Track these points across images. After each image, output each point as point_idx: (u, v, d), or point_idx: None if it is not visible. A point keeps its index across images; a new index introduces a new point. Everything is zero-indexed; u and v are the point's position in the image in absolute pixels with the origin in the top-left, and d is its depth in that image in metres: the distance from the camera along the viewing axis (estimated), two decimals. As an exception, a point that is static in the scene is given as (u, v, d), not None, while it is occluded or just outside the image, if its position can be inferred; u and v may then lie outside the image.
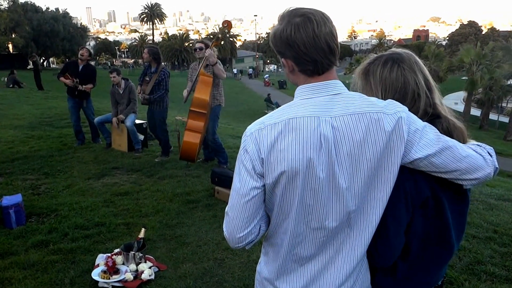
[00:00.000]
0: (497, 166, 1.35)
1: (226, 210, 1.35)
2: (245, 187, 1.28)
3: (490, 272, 3.31)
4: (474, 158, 1.30)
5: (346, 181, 1.23)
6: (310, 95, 1.28)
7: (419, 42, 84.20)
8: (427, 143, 1.25)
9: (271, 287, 1.38)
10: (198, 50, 6.06)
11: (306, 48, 1.22)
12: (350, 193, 1.24)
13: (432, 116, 1.40)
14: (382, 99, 1.39)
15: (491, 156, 1.34)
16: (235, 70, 58.69)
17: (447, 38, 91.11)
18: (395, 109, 1.25)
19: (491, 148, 1.40)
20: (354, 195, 1.24)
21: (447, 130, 1.39)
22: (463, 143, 1.39)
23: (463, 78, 31.74)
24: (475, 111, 33.54)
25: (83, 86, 7.55)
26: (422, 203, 1.33)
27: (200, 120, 5.81)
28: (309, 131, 1.21)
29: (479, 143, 1.41)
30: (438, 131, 1.30)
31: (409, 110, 1.32)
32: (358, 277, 1.34)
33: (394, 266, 1.40)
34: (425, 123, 1.29)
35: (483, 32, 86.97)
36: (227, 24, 5.78)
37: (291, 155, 1.21)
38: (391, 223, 1.31)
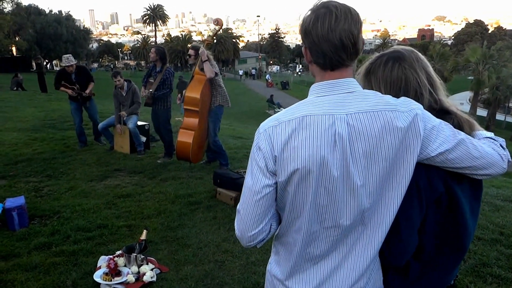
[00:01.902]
0: (510, 159, 1.36)
1: (238, 208, 1.34)
2: (258, 184, 1.27)
3: (496, 274, 3.28)
4: (489, 154, 1.31)
5: (361, 179, 1.21)
6: (324, 93, 1.27)
7: (424, 41, 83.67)
8: (444, 139, 1.25)
9: (282, 287, 1.37)
10: (188, 56, 6.14)
11: (319, 40, 1.22)
12: (365, 191, 1.22)
13: (441, 112, 1.39)
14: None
15: (504, 149, 1.36)
16: (240, 72, 58.77)
17: (453, 38, 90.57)
18: (410, 106, 1.24)
19: (503, 140, 1.41)
20: (369, 193, 1.23)
21: (458, 125, 1.37)
22: (470, 133, 1.39)
23: (469, 78, 31.52)
24: (482, 112, 33.24)
25: (86, 91, 7.63)
26: (435, 200, 1.32)
27: (193, 117, 5.81)
28: (324, 129, 1.20)
29: (490, 136, 1.42)
30: (453, 128, 1.29)
31: None
32: (371, 276, 1.32)
33: (406, 266, 1.38)
34: (440, 120, 1.28)
35: (489, 31, 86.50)
36: (218, 22, 5.78)
37: (304, 153, 1.20)
38: (404, 221, 1.30)
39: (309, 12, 1.25)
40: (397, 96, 1.36)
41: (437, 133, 1.25)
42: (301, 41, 1.32)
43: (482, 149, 1.30)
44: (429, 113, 1.27)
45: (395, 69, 1.40)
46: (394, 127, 1.20)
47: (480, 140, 1.36)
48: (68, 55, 7.79)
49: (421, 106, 1.26)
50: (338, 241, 1.28)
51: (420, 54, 1.45)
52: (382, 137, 1.20)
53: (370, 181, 1.22)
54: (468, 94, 35.48)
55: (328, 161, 1.19)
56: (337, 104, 1.23)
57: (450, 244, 1.38)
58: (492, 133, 1.44)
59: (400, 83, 1.39)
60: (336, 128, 1.19)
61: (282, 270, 1.37)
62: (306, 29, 1.24)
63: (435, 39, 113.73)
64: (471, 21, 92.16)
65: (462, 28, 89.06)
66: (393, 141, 1.20)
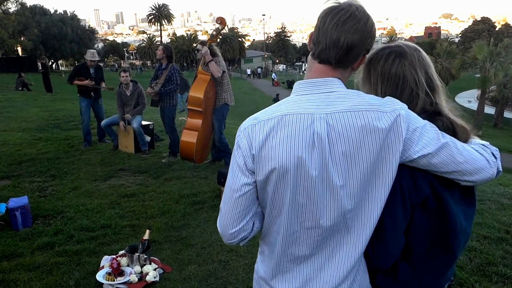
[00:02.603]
0: (501, 169, 1.31)
1: (220, 205, 1.35)
2: (237, 183, 1.28)
3: (501, 273, 3.24)
4: (476, 159, 1.26)
5: (341, 180, 1.19)
6: (305, 91, 1.26)
7: (431, 39, 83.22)
8: (427, 142, 1.21)
9: (267, 286, 1.36)
10: (196, 51, 6.11)
11: (323, 27, 1.22)
12: (345, 192, 1.20)
13: (432, 114, 1.35)
14: (380, 91, 1.37)
15: (495, 157, 1.30)
16: (248, 71, 58.99)
17: (460, 35, 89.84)
18: (393, 106, 1.20)
19: (496, 149, 1.35)
20: (350, 194, 1.20)
21: (448, 127, 1.33)
22: (465, 141, 1.34)
23: (477, 75, 31.21)
24: (489, 109, 32.93)
25: (102, 86, 7.83)
26: (422, 202, 1.28)
27: (197, 118, 5.77)
28: (302, 128, 1.19)
29: (484, 143, 1.36)
30: (438, 130, 1.25)
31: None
32: (356, 277, 1.30)
33: (395, 268, 1.35)
34: (426, 121, 1.24)
35: (497, 28, 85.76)
36: (221, 21, 5.73)
37: (281, 152, 1.20)
38: (388, 223, 1.27)
39: (336, 2, 1.24)
40: (393, 92, 1.34)
41: (420, 135, 1.20)
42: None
43: (468, 154, 1.26)
44: (414, 114, 1.23)
45: (394, 65, 1.37)
46: (375, 127, 1.17)
47: (469, 145, 1.32)
48: (93, 50, 8.06)
49: (405, 106, 1.22)
50: (320, 242, 1.27)
51: (424, 53, 1.41)
52: (363, 138, 1.17)
53: (351, 182, 1.20)
54: (475, 92, 35.17)
55: (305, 160, 1.18)
56: (318, 103, 1.21)
57: (439, 247, 1.34)
58: (487, 142, 1.38)
59: (398, 80, 1.36)
60: (315, 128, 1.18)
61: (266, 270, 1.36)
62: (321, 13, 1.24)
63: (442, 37, 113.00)
64: (478, 19, 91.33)
65: (469, 26, 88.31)
66: (374, 142, 1.17)
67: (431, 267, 1.36)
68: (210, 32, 5.83)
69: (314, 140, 1.18)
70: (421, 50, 1.41)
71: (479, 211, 4.60)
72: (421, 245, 1.33)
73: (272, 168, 1.21)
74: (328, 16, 1.21)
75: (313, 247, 1.27)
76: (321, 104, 1.21)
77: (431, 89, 1.37)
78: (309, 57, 1.31)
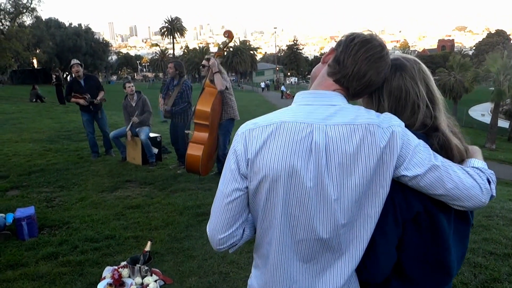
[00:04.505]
0: (494, 194, 1.28)
1: (211, 209, 1.34)
2: (228, 187, 1.28)
3: (506, 290, 3.18)
4: (468, 187, 1.23)
5: (335, 193, 1.19)
6: (306, 102, 1.28)
7: (444, 52, 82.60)
8: (418, 162, 1.20)
9: None
10: (202, 67, 6.16)
11: (353, 56, 1.25)
12: (339, 205, 1.19)
13: (431, 130, 1.34)
14: (382, 105, 1.36)
15: (490, 182, 1.27)
16: (262, 84, 59.49)
17: (474, 48, 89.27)
18: (390, 122, 1.22)
19: (492, 172, 1.31)
20: (344, 209, 1.20)
21: (443, 145, 1.32)
22: (461, 161, 1.33)
23: (491, 88, 30.88)
24: (503, 123, 32.45)
25: (97, 98, 7.75)
26: (413, 218, 1.27)
27: (203, 131, 5.78)
28: (300, 137, 1.19)
29: (479, 167, 1.31)
30: (431, 151, 1.24)
31: (407, 120, 1.29)
32: None
33: (387, 284, 1.34)
34: (420, 140, 1.24)
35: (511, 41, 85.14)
36: (228, 34, 5.76)
37: (275, 160, 1.20)
38: (380, 237, 1.26)
39: (371, 35, 1.29)
40: (395, 106, 1.34)
41: (413, 153, 1.21)
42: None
43: (459, 180, 1.22)
44: (410, 132, 1.24)
45: (396, 78, 1.36)
46: (373, 142, 1.18)
47: (464, 169, 1.28)
48: (74, 59, 8.02)
49: (402, 124, 1.23)
50: (313, 256, 1.25)
51: (423, 65, 1.41)
52: (360, 151, 1.18)
53: (345, 196, 1.19)
54: (489, 105, 34.74)
55: (299, 170, 1.18)
56: (318, 114, 1.22)
57: (433, 265, 1.32)
58: (485, 163, 1.34)
59: (400, 93, 1.35)
60: (313, 137, 1.18)
61: (260, 284, 1.34)
62: (357, 40, 1.27)
63: (455, 49, 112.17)
64: (493, 31, 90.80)
65: (484, 38, 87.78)
66: (371, 156, 1.18)
67: (423, 285, 1.34)
68: (222, 45, 5.87)
69: (311, 150, 1.18)
70: (420, 62, 1.41)
71: (486, 226, 4.53)
72: (412, 262, 1.31)
73: (264, 175, 1.21)
74: (363, 47, 1.24)
75: (305, 260, 1.26)
76: (321, 115, 1.22)
77: (431, 101, 1.36)
78: (324, 72, 1.32)
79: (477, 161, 1.33)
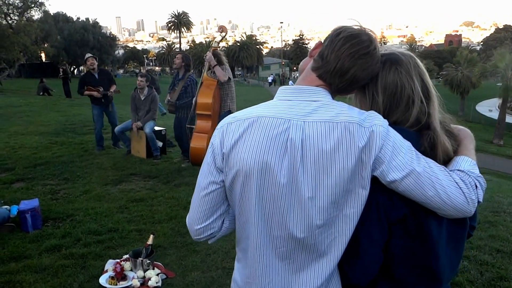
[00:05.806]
0: (481, 200, 1.19)
1: (191, 201, 1.35)
2: (205, 180, 1.27)
3: (513, 288, 3.13)
4: (451, 196, 1.15)
5: (310, 191, 1.14)
6: (287, 97, 1.24)
7: (451, 47, 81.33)
8: (397, 165, 1.13)
9: None
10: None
11: (337, 51, 1.20)
12: (314, 204, 1.15)
13: (423, 127, 1.28)
14: (377, 101, 1.30)
15: (477, 187, 1.18)
16: (269, 78, 59.31)
17: (481, 43, 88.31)
18: (373, 121, 1.15)
19: (480, 175, 1.21)
20: (320, 208, 1.15)
21: (432, 144, 1.24)
22: (447, 162, 1.25)
23: (498, 84, 30.58)
24: (511, 118, 32.23)
25: (110, 91, 7.85)
26: (400, 219, 1.21)
27: (207, 121, 5.90)
28: (276, 132, 1.16)
29: (466, 169, 1.20)
30: (414, 155, 1.16)
31: (401, 116, 1.25)
32: None
33: (374, 286, 1.28)
34: (407, 142, 1.17)
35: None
36: (222, 30, 5.96)
37: (248, 155, 1.18)
38: (364, 239, 1.21)
39: (358, 30, 1.24)
40: (390, 101, 1.29)
41: (392, 156, 1.13)
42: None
43: (442, 187, 1.14)
44: (394, 132, 1.17)
45: (391, 73, 1.31)
46: (351, 141, 1.12)
47: (450, 175, 1.18)
48: (87, 54, 8.26)
49: (386, 123, 1.17)
50: (289, 255, 1.22)
51: (418, 60, 1.35)
52: (337, 150, 1.12)
53: (321, 195, 1.14)
54: (497, 101, 34.40)
55: (273, 166, 1.16)
56: (298, 111, 1.18)
57: (421, 270, 1.27)
58: (474, 163, 1.24)
59: (395, 88, 1.29)
60: (290, 134, 1.15)
61: (242, 277, 1.32)
62: (343, 34, 1.22)
63: (463, 45, 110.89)
64: (501, 26, 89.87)
65: (491, 34, 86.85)
66: (349, 156, 1.12)
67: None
68: (229, 39, 6.05)
69: (287, 146, 1.15)
70: (415, 57, 1.36)
71: (493, 222, 4.48)
72: (400, 265, 1.26)
73: (237, 169, 1.19)
74: (348, 43, 1.19)
75: (281, 258, 1.23)
76: (300, 111, 1.18)
77: (426, 97, 1.31)
78: (309, 67, 1.28)
79: (465, 162, 1.23)
